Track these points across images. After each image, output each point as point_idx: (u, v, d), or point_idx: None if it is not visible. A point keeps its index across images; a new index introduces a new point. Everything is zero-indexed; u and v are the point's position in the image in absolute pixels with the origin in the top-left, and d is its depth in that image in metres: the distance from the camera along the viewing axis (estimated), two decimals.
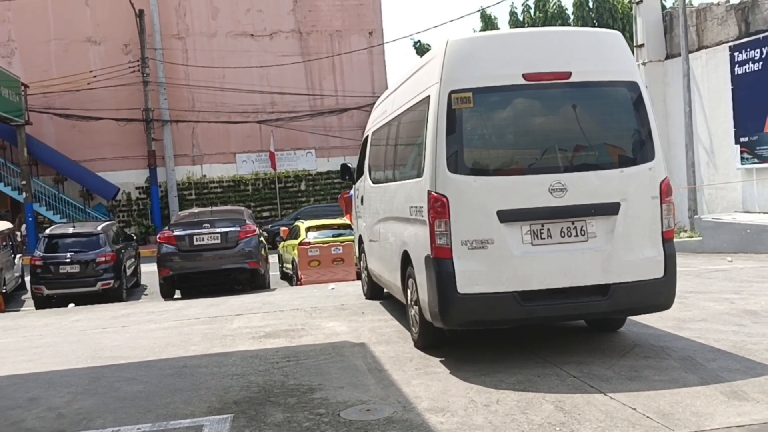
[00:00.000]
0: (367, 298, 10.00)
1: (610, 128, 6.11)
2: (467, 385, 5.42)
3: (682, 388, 5.05)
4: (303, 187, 30.67)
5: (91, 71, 28.10)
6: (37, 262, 13.94)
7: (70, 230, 14.97)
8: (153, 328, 9.04)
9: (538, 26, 31.75)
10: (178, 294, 14.14)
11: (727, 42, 16.40)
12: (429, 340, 6.55)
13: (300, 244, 14.83)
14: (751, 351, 5.94)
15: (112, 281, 13.98)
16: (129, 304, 12.67)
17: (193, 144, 29.80)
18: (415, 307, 6.55)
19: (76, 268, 13.93)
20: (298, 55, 30.24)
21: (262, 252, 14.19)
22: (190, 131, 29.61)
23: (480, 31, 33.22)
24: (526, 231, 5.72)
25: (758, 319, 7.20)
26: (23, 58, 28.44)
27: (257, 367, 6.41)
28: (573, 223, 5.77)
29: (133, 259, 16.08)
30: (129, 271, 15.37)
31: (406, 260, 6.74)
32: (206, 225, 13.72)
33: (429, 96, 6.08)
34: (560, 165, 5.85)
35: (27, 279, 15.05)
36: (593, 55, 6.07)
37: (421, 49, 35.21)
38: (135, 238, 18.02)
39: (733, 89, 16.17)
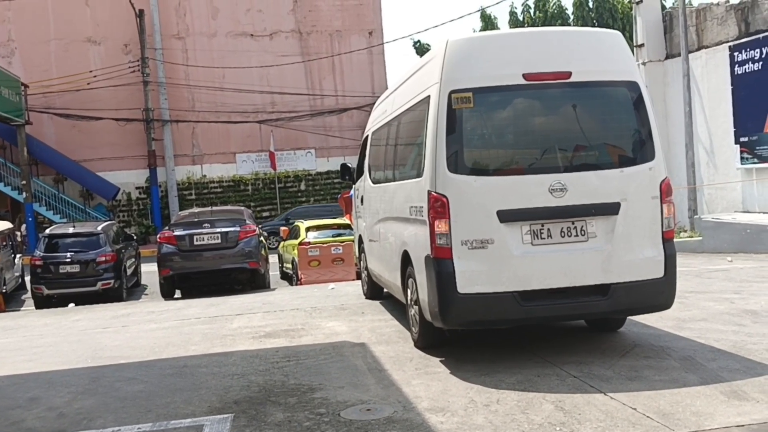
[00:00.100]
0: (367, 297, 10.01)
1: (610, 128, 6.10)
2: (467, 384, 5.42)
3: (682, 388, 5.05)
4: (303, 187, 30.68)
5: (91, 71, 28.11)
6: (37, 262, 13.95)
7: (70, 230, 14.99)
8: (153, 327, 9.04)
9: (538, 26, 31.75)
10: (178, 294, 14.15)
11: (727, 42, 16.40)
12: (429, 340, 6.55)
13: (300, 244, 14.85)
14: (751, 351, 5.95)
15: (112, 281, 13.99)
16: (129, 304, 12.68)
17: (193, 144, 29.81)
18: (415, 306, 6.55)
19: (76, 268, 13.94)
20: (298, 55, 30.25)
21: (262, 252, 14.20)
22: (190, 131, 29.63)
23: (480, 31, 33.20)
24: (526, 231, 5.72)
25: (758, 319, 7.20)
26: (23, 58, 28.45)
27: (257, 366, 6.42)
28: (573, 223, 5.77)
29: (133, 259, 16.09)
30: (129, 271, 15.38)
31: (406, 260, 6.74)
32: (206, 225, 13.73)
33: (429, 96, 6.08)
34: (560, 165, 5.85)
35: (27, 279, 15.06)
36: (593, 55, 6.06)
37: (421, 49, 35.22)
38: (135, 238, 18.08)
39: (732, 89, 16.17)
